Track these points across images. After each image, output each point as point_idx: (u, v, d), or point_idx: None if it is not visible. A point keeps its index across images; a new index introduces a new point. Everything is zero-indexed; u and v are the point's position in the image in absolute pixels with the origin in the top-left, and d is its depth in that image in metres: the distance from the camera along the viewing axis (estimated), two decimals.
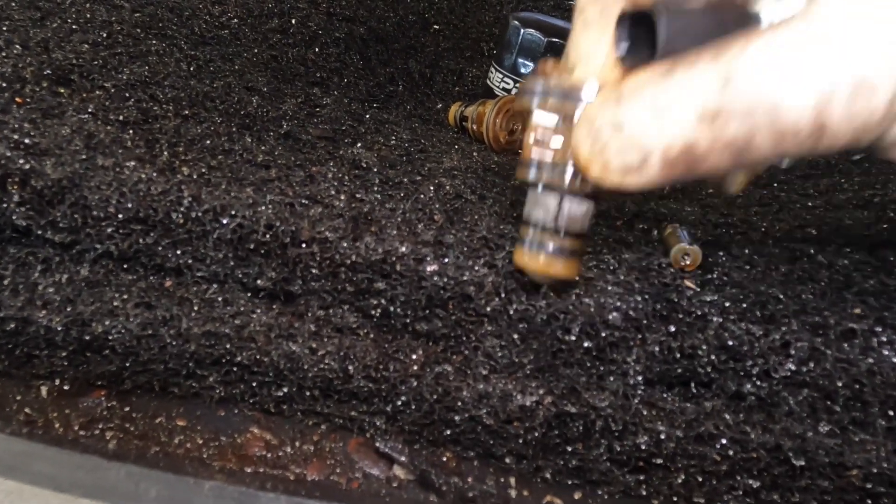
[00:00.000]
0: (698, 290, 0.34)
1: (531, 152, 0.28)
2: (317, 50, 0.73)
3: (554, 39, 0.66)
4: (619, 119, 0.24)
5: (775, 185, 0.57)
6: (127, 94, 0.45)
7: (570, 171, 0.27)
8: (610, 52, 0.26)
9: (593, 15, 0.26)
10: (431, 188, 0.43)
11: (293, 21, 0.75)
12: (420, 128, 0.64)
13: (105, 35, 0.54)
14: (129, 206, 0.33)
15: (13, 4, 0.53)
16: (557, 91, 0.27)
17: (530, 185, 0.29)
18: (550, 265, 0.29)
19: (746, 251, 0.40)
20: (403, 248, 0.33)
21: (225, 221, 0.33)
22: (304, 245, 0.34)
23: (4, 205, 0.34)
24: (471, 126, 0.68)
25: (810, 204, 0.52)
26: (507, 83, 0.69)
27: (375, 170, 0.44)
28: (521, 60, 0.68)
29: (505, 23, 0.83)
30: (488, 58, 0.88)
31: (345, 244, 0.34)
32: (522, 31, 0.67)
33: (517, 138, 0.66)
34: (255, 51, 0.66)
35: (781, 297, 0.35)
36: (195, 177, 0.35)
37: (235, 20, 0.70)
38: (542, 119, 0.27)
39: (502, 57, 0.70)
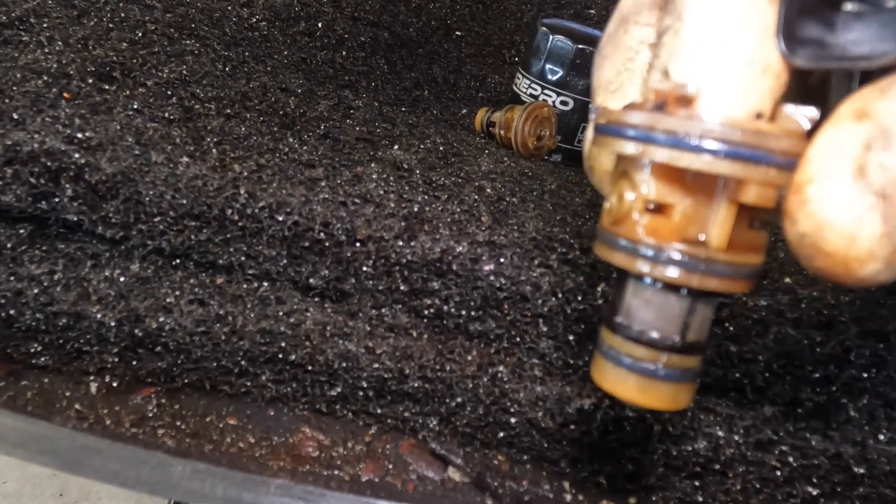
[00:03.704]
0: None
1: (641, 231, 0.18)
2: (344, 53, 0.73)
3: (582, 46, 0.66)
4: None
5: None
6: (169, 93, 0.45)
7: (722, 261, 0.18)
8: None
9: None
10: (473, 191, 0.43)
11: (319, 24, 0.75)
12: (449, 132, 0.64)
13: (140, 34, 0.54)
14: (184, 202, 0.33)
15: (50, 2, 0.53)
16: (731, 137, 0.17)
17: (634, 276, 0.19)
18: (656, 393, 0.19)
19: (788, 258, 0.40)
20: (460, 248, 0.33)
21: (281, 218, 0.33)
22: (359, 244, 0.33)
23: (57, 199, 0.33)
24: (498, 132, 0.68)
25: None
26: (535, 89, 0.69)
27: (418, 172, 0.44)
28: (549, 67, 0.68)
29: (529, 29, 0.83)
30: (510, 65, 0.88)
31: (400, 243, 0.33)
32: (551, 37, 0.67)
33: (545, 144, 0.66)
34: (286, 53, 0.66)
35: (834, 302, 0.34)
36: (247, 174, 0.35)
37: (264, 22, 0.70)
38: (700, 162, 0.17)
39: (529, 63, 0.70)
